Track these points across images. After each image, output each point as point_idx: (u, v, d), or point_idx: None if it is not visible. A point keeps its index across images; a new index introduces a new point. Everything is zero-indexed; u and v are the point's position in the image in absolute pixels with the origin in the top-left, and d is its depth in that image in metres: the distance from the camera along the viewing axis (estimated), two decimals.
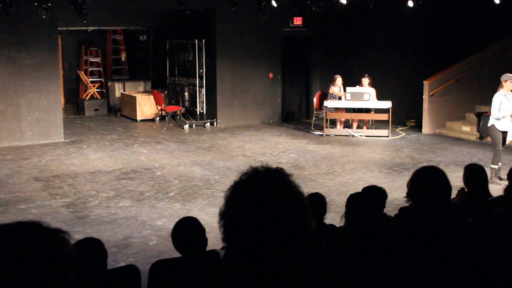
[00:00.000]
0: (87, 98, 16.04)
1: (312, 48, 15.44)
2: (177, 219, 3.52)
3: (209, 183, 9.13)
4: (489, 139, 12.21)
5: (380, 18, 14.65)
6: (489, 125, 9.09)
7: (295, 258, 1.47)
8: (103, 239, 4.71)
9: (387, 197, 4.93)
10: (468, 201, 4.83)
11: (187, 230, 3.33)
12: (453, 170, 9.14)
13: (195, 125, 14.08)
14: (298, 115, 15.49)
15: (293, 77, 15.38)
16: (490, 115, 12.36)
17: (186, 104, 14.68)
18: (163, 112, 14.28)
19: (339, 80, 13.43)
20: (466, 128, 12.94)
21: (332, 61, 15.59)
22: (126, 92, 15.84)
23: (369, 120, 13.55)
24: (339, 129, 13.30)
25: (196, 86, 14.43)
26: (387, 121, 12.76)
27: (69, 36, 16.66)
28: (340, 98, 13.33)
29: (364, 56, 15.32)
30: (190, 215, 4.85)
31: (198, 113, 14.48)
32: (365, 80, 13.10)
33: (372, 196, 4.14)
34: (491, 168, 8.94)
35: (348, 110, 13.28)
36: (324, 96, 13.97)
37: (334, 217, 5.39)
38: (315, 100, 14.27)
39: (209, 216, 7.18)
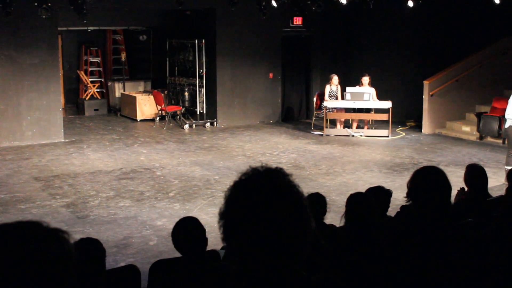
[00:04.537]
0: (87, 98, 16.04)
1: (312, 48, 15.44)
2: (177, 219, 3.51)
3: (209, 183, 9.13)
4: (489, 138, 12.25)
5: (380, 18, 14.65)
6: (506, 126, 9.04)
7: (295, 258, 1.47)
8: (103, 239, 4.71)
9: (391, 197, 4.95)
10: (468, 201, 4.83)
11: (187, 230, 3.33)
12: (453, 170, 9.14)
13: (195, 125, 14.08)
14: (298, 115, 15.49)
15: (293, 77, 15.38)
16: (490, 115, 12.39)
17: (186, 104, 14.68)
18: (163, 112, 14.28)
19: (335, 79, 13.42)
20: (466, 128, 12.94)
21: (332, 61, 15.59)
22: (126, 92, 15.84)
23: (369, 120, 13.54)
24: (339, 129, 13.30)
25: (196, 86, 14.43)
26: (387, 121, 12.76)
27: (69, 36, 16.65)
28: (337, 98, 13.35)
29: (364, 56, 15.31)
30: (190, 215, 4.85)
31: (198, 113, 14.48)
32: (365, 79, 13.10)
33: (372, 196, 4.14)
34: (506, 170, 8.91)
35: (348, 110, 13.28)
36: (324, 96, 13.96)
37: (334, 217, 5.39)
38: (315, 100, 14.26)
39: (209, 216, 7.18)
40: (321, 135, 13.12)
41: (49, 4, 10.57)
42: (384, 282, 2.97)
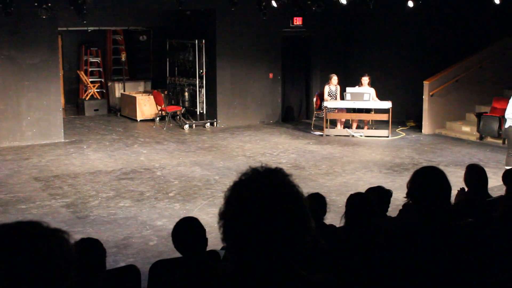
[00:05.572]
0: (87, 98, 16.04)
1: (312, 48, 15.44)
2: (177, 219, 3.52)
3: (209, 183, 9.13)
4: (489, 139, 12.25)
5: (380, 18, 14.66)
6: (506, 126, 9.07)
7: (295, 258, 1.47)
8: (103, 239, 4.71)
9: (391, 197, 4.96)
10: (468, 201, 4.83)
11: (187, 230, 3.33)
12: (453, 170, 9.14)
13: (195, 125, 14.08)
14: (298, 115, 15.49)
15: (293, 77, 15.38)
16: (490, 115, 12.39)
17: (186, 104, 14.68)
18: (163, 112, 14.28)
19: (334, 79, 13.42)
20: (466, 128, 12.94)
21: (332, 61, 15.59)
22: (126, 92, 15.84)
23: (369, 120, 13.54)
24: (339, 129, 13.30)
25: (196, 86, 14.43)
26: (387, 121, 12.76)
27: (69, 36, 16.65)
28: (336, 98, 13.36)
29: (364, 56, 15.32)
30: (190, 215, 4.85)
31: (198, 113, 14.47)
32: (365, 79, 13.10)
33: (372, 196, 4.14)
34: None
35: (348, 110, 13.28)
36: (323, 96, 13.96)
37: (334, 217, 5.38)
38: (315, 100, 14.26)
39: (209, 216, 7.18)
40: (321, 135, 13.12)
41: (49, 4, 10.56)
42: (384, 282, 2.97)
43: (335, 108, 13.25)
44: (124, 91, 16.13)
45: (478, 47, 13.14)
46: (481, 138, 12.38)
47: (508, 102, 8.99)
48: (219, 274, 1.55)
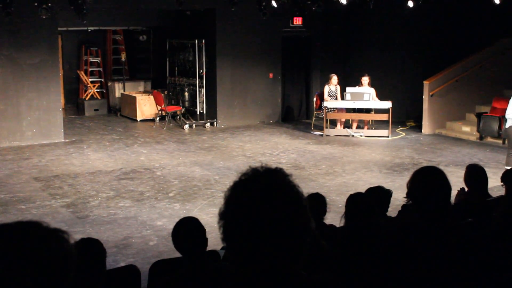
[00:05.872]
0: (87, 98, 16.04)
1: (312, 48, 15.44)
2: (177, 219, 3.51)
3: (209, 183, 9.13)
4: (489, 139, 12.26)
5: (380, 18, 14.65)
6: (506, 126, 9.07)
7: (294, 258, 1.47)
8: (103, 239, 4.71)
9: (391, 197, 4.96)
10: (468, 201, 4.83)
11: (187, 230, 3.33)
12: (453, 170, 9.14)
13: (195, 125, 14.08)
14: (298, 115, 15.49)
15: (293, 77, 15.38)
16: (490, 115, 12.39)
17: (186, 104, 14.68)
18: (163, 112, 14.28)
19: (334, 78, 13.42)
20: (466, 128, 12.94)
21: (332, 61, 15.59)
22: (126, 92, 15.84)
23: (369, 120, 13.54)
24: (339, 129, 13.30)
25: (196, 86, 14.43)
26: (387, 121, 12.76)
27: (69, 36, 16.65)
28: (336, 98, 13.36)
29: (364, 56, 15.31)
30: (190, 215, 4.85)
31: (198, 113, 14.48)
32: (365, 79, 13.10)
33: (372, 196, 4.14)
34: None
35: (348, 110, 13.29)
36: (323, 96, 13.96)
37: (334, 217, 5.38)
38: (315, 100, 14.26)
39: (209, 216, 7.18)
40: (321, 135, 13.12)
41: (49, 4, 10.56)
42: (384, 282, 2.97)
43: (335, 108, 13.25)
44: (124, 91, 16.13)
45: (478, 47, 13.14)
46: (481, 138, 12.38)
47: (508, 102, 8.99)
48: (219, 274, 1.55)
